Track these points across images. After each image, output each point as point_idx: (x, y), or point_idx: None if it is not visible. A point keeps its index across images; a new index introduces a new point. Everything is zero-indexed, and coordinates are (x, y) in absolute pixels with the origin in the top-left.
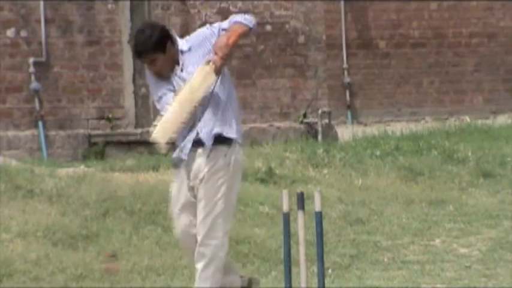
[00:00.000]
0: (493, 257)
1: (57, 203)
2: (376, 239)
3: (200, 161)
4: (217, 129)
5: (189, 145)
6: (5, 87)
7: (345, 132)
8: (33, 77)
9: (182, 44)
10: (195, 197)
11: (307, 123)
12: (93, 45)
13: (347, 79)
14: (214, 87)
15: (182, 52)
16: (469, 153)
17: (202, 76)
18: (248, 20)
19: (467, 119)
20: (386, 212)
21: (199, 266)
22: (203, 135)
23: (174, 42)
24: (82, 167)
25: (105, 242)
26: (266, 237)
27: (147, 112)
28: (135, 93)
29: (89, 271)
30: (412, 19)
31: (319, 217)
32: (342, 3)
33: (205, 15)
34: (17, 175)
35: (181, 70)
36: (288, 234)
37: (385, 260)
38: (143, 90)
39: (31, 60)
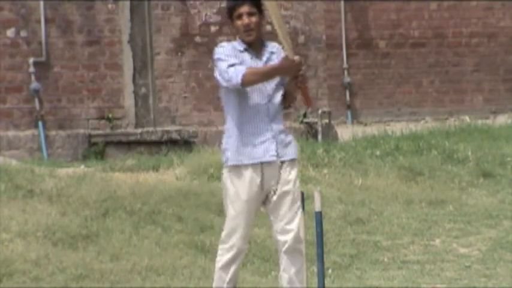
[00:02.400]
0: (493, 257)
1: (57, 203)
2: (376, 239)
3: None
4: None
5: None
6: (5, 87)
7: (345, 132)
8: (33, 77)
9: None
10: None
11: (307, 123)
12: (93, 45)
13: (347, 79)
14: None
15: (271, 52)
16: (469, 153)
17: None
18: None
19: (467, 118)
20: (386, 212)
21: None
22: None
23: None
24: (82, 167)
25: (105, 242)
26: (266, 237)
27: (147, 112)
28: (135, 93)
29: (88, 271)
30: (412, 19)
31: (319, 217)
32: (342, 3)
33: (205, 15)
34: (17, 175)
35: (261, 59)
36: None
37: (385, 260)
38: (143, 90)
39: (31, 60)
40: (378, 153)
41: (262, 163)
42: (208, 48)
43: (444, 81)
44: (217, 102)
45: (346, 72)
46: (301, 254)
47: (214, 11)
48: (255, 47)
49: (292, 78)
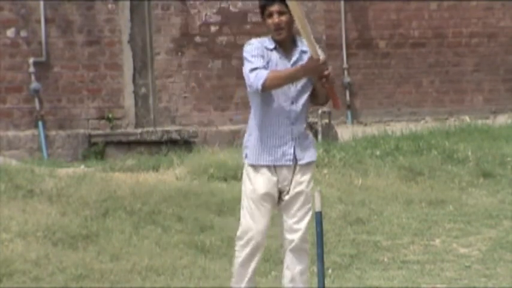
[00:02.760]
0: (493, 257)
1: (57, 203)
2: (376, 239)
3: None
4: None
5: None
6: (5, 87)
7: (345, 132)
8: (33, 77)
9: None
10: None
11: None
12: (93, 45)
13: (347, 79)
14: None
15: (302, 51)
16: (469, 153)
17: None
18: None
19: (467, 118)
20: (386, 212)
21: None
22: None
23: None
24: (82, 167)
25: (105, 242)
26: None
27: (147, 112)
28: (135, 93)
29: (89, 271)
30: (412, 19)
31: (319, 217)
32: (342, 3)
33: (205, 15)
34: (17, 175)
35: (290, 59)
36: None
37: (385, 259)
38: (143, 90)
39: (31, 60)
40: (378, 153)
41: (277, 166)
42: (208, 48)
43: (444, 81)
44: (217, 102)
45: (346, 72)
46: (306, 254)
47: (214, 11)
48: (285, 46)
49: (318, 78)
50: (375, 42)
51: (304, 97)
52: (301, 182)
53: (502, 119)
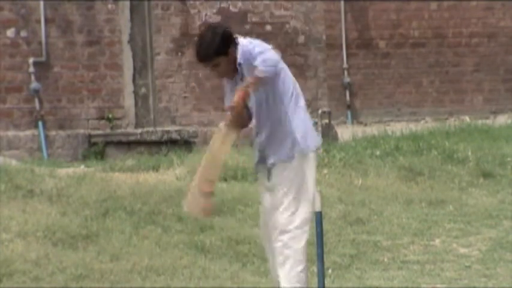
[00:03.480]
0: (493, 257)
1: (57, 203)
2: (376, 239)
3: None
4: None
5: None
6: (5, 87)
7: (345, 132)
8: (33, 77)
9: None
10: None
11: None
12: (93, 45)
13: (347, 79)
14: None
15: (242, 74)
16: (469, 153)
17: (220, 141)
18: (269, 69)
19: (467, 119)
20: (386, 212)
21: None
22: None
23: (236, 43)
24: (82, 167)
25: (105, 242)
26: None
27: (147, 112)
28: (135, 93)
29: (89, 271)
30: (412, 19)
31: (319, 217)
32: (342, 3)
33: (205, 15)
34: (17, 175)
35: (241, 79)
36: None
37: (385, 260)
38: (143, 90)
39: (31, 60)
40: (378, 153)
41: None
42: None
43: (444, 81)
44: (217, 102)
45: (346, 72)
46: (285, 258)
47: (214, 11)
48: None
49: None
50: (375, 42)
51: (268, 117)
52: (275, 184)
53: (502, 119)
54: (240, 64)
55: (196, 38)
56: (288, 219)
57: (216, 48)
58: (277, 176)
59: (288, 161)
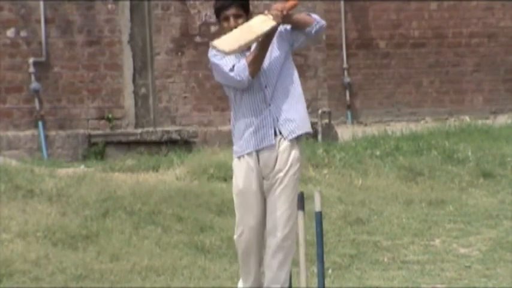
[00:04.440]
0: (493, 257)
1: (57, 203)
2: (376, 239)
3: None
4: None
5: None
6: (5, 87)
7: (345, 132)
8: (33, 77)
9: None
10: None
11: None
12: (93, 45)
13: (347, 79)
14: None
15: None
16: (469, 153)
17: (260, 20)
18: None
19: (467, 119)
20: (386, 212)
21: None
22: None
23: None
24: (82, 167)
25: (105, 242)
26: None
27: (147, 112)
28: (135, 93)
29: (88, 271)
30: (412, 19)
31: (319, 217)
32: (342, 3)
33: (205, 15)
34: (17, 175)
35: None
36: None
37: (385, 260)
38: (143, 90)
39: (31, 60)
40: (378, 153)
41: (258, 151)
42: (208, 48)
43: (444, 81)
44: (217, 102)
45: (346, 72)
46: (284, 253)
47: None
48: None
49: (281, 23)
50: (375, 42)
51: (280, 74)
52: (284, 164)
53: (502, 119)
54: None
55: None
56: (291, 220)
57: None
58: (286, 154)
59: (299, 140)
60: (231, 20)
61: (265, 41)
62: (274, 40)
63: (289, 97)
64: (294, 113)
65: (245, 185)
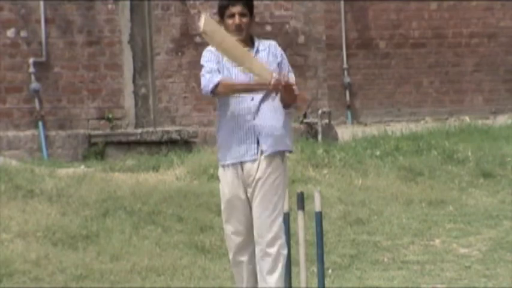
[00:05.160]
0: (493, 257)
1: (57, 203)
2: (376, 239)
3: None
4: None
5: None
6: (5, 87)
7: (345, 132)
8: (33, 77)
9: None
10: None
11: (307, 123)
12: (93, 46)
13: (347, 79)
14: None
15: (257, 50)
16: (469, 154)
17: (263, 67)
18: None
19: (467, 119)
20: (386, 212)
21: None
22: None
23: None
24: (82, 167)
25: (105, 242)
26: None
27: (147, 112)
28: (135, 93)
29: (88, 271)
30: (412, 19)
31: (319, 217)
32: (342, 3)
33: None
34: (17, 175)
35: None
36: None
37: (385, 260)
38: (143, 90)
39: (31, 60)
40: (377, 153)
41: (242, 162)
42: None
43: (444, 81)
44: (217, 102)
45: (346, 72)
46: (272, 259)
47: (215, 11)
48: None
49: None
50: (375, 42)
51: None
52: (264, 172)
53: (502, 119)
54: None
55: None
56: (275, 225)
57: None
58: (267, 167)
59: (280, 156)
60: (237, 17)
61: (251, 90)
62: (265, 55)
63: (275, 112)
64: (278, 129)
65: (232, 194)
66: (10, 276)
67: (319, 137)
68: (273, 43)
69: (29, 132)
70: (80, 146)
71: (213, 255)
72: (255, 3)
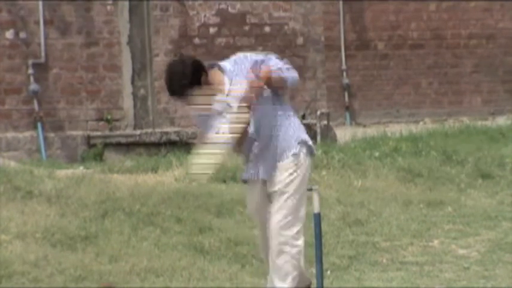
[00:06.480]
0: (492, 258)
1: (56, 204)
2: (374, 240)
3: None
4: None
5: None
6: (4, 88)
7: (344, 133)
8: (32, 79)
9: (226, 66)
10: None
11: (306, 125)
12: (92, 47)
13: (346, 80)
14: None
15: (228, 75)
16: (468, 155)
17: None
18: (290, 76)
19: (466, 120)
20: (385, 213)
21: None
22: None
23: (207, 72)
24: (81, 168)
25: (104, 243)
26: None
27: (146, 113)
28: (134, 94)
29: (87, 272)
30: (410, 20)
31: (317, 218)
32: (341, 4)
33: (204, 16)
34: (16, 176)
35: (227, 95)
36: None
37: (384, 261)
38: (142, 91)
39: (30, 61)
40: (376, 154)
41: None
42: (207, 50)
43: (443, 82)
44: None
45: (344, 73)
46: (283, 259)
47: (213, 12)
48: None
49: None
50: (374, 43)
51: (269, 128)
52: (281, 175)
53: (500, 120)
54: (228, 74)
55: (166, 72)
56: (286, 229)
57: (188, 83)
58: (284, 168)
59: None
60: (188, 103)
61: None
62: (236, 74)
63: (272, 133)
64: (273, 154)
65: (257, 206)
66: (9, 277)
67: (318, 138)
68: (239, 55)
69: (27, 134)
70: (79, 147)
71: (212, 257)
72: (254, 4)
